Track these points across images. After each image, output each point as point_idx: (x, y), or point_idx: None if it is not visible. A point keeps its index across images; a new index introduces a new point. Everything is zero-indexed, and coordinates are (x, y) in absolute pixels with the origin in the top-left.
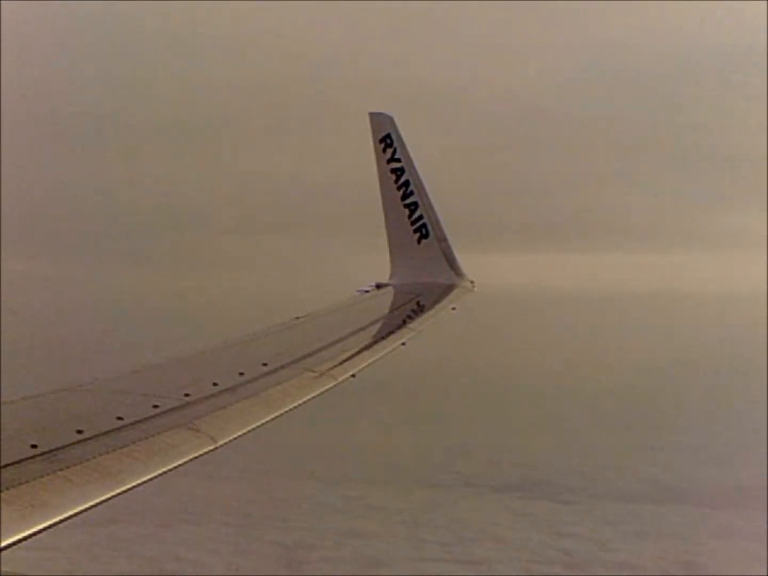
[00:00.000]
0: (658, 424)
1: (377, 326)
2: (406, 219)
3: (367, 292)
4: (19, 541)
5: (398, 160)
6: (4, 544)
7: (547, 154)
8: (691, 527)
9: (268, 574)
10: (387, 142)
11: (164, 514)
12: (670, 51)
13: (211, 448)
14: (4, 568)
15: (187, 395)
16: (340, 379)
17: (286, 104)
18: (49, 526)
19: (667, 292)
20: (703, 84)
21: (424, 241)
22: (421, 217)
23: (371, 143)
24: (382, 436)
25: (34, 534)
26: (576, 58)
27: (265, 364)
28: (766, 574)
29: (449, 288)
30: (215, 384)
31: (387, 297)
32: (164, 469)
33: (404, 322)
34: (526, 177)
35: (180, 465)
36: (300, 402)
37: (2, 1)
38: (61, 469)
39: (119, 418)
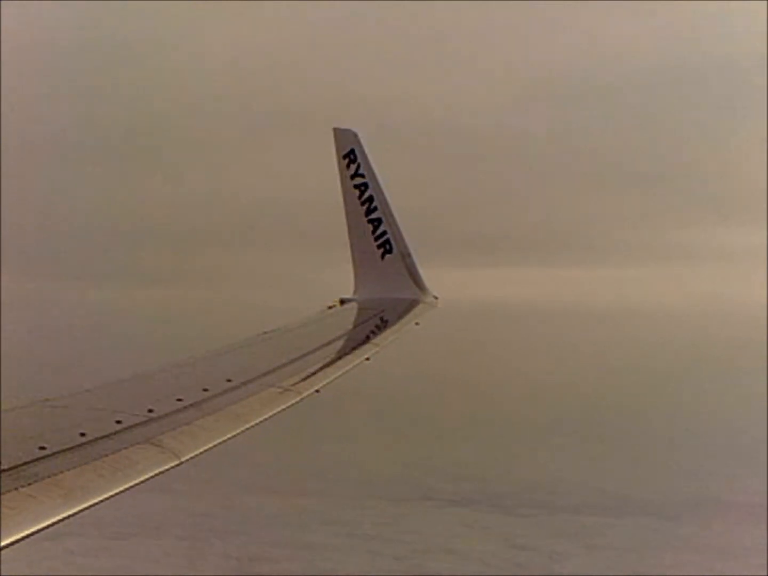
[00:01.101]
0: (615, 437)
1: (341, 342)
2: (370, 234)
3: (332, 307)
4: None
5: (362, 176)
6: None
7: (505, 168)
8: (646, 540)
9: None
10: (351, 157)
11: (118, 527)
12: (633, 61)
13: (175, 464)
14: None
15: (150, 411)
16: (305, 395)
17: (249, 119)
18: (12, 543)
19: (623, 306)
20: (663, 96)
21: (387, 257)
22: (384, 233)
23: (335, 159)
24: (343, 451)
25: None
26: (537, 71)
27: (229, 380)
28: (766, 574)
29: (413, 303)
30: (179, 399)
31: (351, 312)
32: (127, 485)
33: (368, 338)
34: (485, 192)
35: (143, 481)
36: (264, 417)
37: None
38: (23, 486)
39: (82, 434)
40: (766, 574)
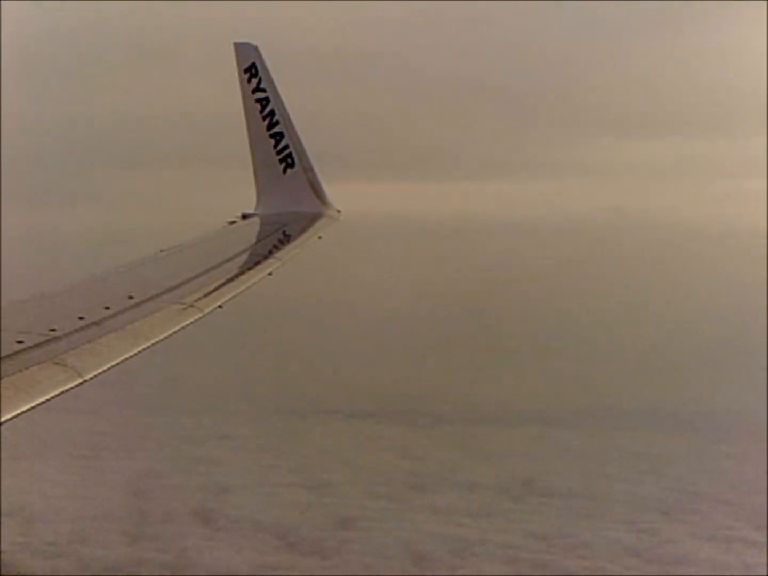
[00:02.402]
0: (516, 350)
1: (244, 257)
2: (272, 149)
3: (233, 223)
4: None
5: (263, 90)
6: None
7: (394, 88)
8: (538, 447)
9: (121, 504)
10: (252, 71)
11: (14, 447)
12: None
13: (78, 382)
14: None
15: (52, 330)
16: (207, 311)
17: (148, 39)
18: None
19: (516, 219)
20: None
21: (290, 171)
22: (286, 147)
23: (236, 73)
24: (244, 366)
25: None
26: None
27: (131, 297)
28: (766, 574)
29: (315, 217)
30: (81, 318)
31: (253, 227)
32: (31, 405)
33: (270, 252)
34: (373, 110)
35: (47, 400)
36: (167, 334)
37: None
38: None
39: None
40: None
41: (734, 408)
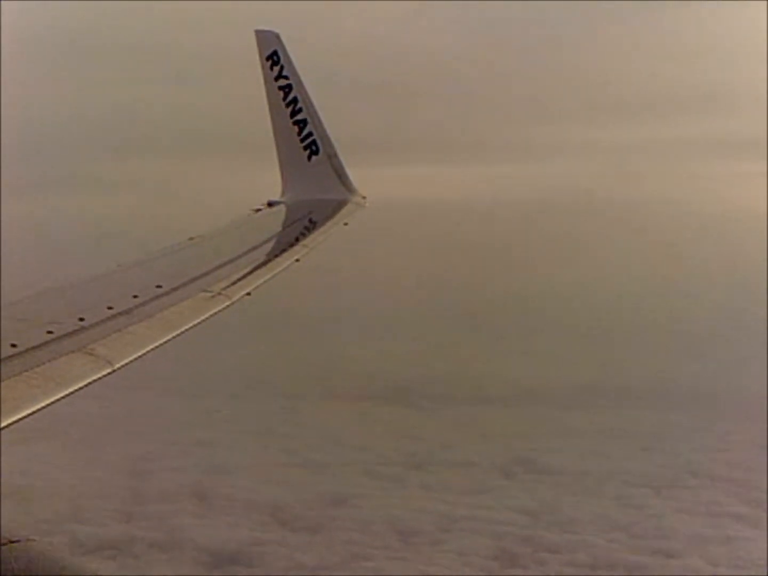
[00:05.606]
0: (522, 330)
1: (270, 244)
2: (296, 136)
3: (259, 210)
4: None
5: (286, 77)
6: None
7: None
8: (536, 426)
9: (118, 485)
10: (274, 59)
11: (18, 430)
12: None
13: (108, 371)
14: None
15: (81, 320)
16: (235, 299)
17: (168, 23)
18: None
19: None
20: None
21: (314, 158)
22: (310, 134)
23: (258, 61)
24: (255, 351)
25: None
26: None
27: (159, 286)
28: (766, 574)
29: (341, 204)
30: (110, 308)
31: (279, 215)
32: (61, 395)
33: (297, 239)
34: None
35: (77, 390)
36: (195, 322)
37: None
38: None
39: (13, 345)
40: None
41: (732, 386)
